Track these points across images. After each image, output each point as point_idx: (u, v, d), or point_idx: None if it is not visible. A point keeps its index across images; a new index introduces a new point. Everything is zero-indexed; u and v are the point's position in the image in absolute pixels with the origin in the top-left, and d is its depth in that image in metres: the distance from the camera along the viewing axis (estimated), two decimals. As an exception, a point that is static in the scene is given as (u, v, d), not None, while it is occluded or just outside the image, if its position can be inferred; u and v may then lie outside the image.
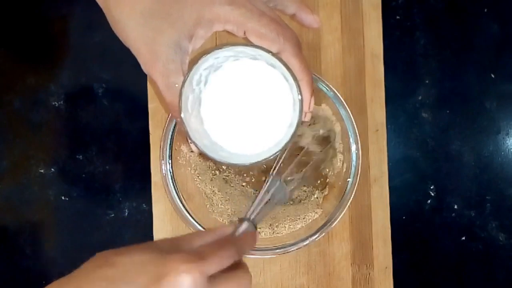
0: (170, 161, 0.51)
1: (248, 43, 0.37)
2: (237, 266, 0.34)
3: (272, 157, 0.37)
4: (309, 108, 0.40)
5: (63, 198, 0.57)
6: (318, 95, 0.53)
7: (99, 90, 0.57)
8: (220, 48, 0.36)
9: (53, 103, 0.57)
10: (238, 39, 0.38)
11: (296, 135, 0.37)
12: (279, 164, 0.49)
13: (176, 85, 0.37)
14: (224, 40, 0.54)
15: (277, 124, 0.38)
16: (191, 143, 0.39)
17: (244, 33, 0.37)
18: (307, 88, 0.39)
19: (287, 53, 0.37)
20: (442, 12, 0.58)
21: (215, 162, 0.51)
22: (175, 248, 0.33)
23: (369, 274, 0.56)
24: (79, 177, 0.57)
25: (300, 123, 0.37)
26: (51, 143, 0.57)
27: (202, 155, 0.51)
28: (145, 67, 0.37)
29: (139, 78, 0.56)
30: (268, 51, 0.36)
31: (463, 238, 0.58)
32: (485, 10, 0.58)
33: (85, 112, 0.57)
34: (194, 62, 0.36)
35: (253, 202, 0.43)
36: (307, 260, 0.56)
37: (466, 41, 0.58)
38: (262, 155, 0.38)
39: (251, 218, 0.41)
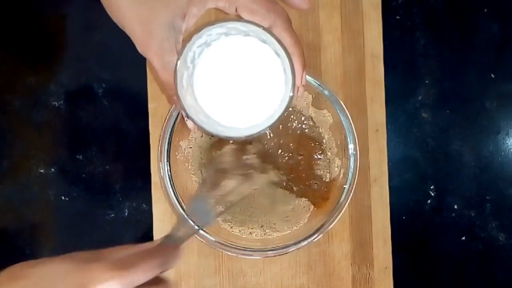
0: (168, 163, 0.51)
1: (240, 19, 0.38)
2: (159, 282, 0.33)
3: (265, 130, 0.38)
4: (301, 82, 0.40)
5: (63, 198, 0.57)
6: (318, 98, 0.53)
7: (99, 90, 0.57)
8: (212, 25, 0.37)
9: (53, 103, 0.57)
10: (230, 17, 0.38)
11: (288, 109, 0.37)
12: (204, 187, 0.48)
13: (171, 64, 0.37)
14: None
15: (270, 99, 0.39)
16: (187, 120, 0.39)
17: (236, 9, 0.38)
18: (298, 61, 0.39)
19: (278, 28, 0.38)
20: (442, 12, 0.58)
21: (211, 135, 0.51)
22: (96, 258, 0.32)
23: (369, 274, 0.56)
24: (79, 177, 0.57)
25: (293, 97, 0.37)
26: (51, 143, 0.57)
27: (199, 140, 0.51)
28: (140, 48, 0.38)
29: (139, 78, 0.56)
30: (260, 26, 0.36)
31: (463, 238, 0.58)
32: (485, 10, 0.58)
33: (85, 112, 0.57)
34: (187, 40, 0.37)
35: (177, 221, 0.42)
36: (307, 260, 0.56)
37: (466, 41, 0.58)
38: (255, 128, 0.38)
39: (175, 234, 0.40)
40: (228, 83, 0.39)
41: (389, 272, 0.57)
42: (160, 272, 0.33)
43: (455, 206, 0.58)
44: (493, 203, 0.58)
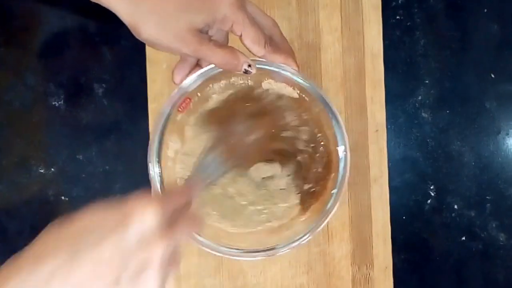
0: (158, 163, 0.49)
1: None
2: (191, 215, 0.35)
3: None
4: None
5: (63, 198, 0.57)
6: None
7: (99, 90, 0.57)
8: None
9: (53, 103, 0.57)
10: None
11: None
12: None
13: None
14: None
15: None
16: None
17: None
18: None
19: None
20: (442, 12, 0.58)
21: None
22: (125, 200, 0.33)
23: (369, 274, 0.56)
24: (79, 177, 0.57)
25: None
26: (51, 143, 0.57)
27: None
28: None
29: (139, 78, 0.56)
30: None
31: (463, 238, 0.58)
32: (485, 10, 0.59)
33: (85, 112, 0.57)
34: None
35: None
36: (307, 260, 0.56)
37: (466, 41, 0.58)
38: None
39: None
40: None
41: (389, 272, 0.57)
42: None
43: (455, 206, 0.58)
44: (493, 203, 0.58)
